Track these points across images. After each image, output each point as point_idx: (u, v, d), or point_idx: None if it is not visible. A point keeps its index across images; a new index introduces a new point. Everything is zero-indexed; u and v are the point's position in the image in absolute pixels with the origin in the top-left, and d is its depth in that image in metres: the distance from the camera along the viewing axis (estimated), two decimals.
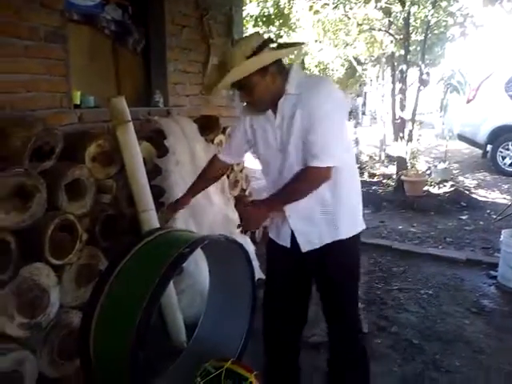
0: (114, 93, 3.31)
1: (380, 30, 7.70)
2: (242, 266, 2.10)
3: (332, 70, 11.99)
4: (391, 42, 7.38)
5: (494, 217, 5.56)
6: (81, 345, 1.70)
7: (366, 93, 16.29)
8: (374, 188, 7.16)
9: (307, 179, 1.77)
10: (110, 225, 2.57)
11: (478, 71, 9.08)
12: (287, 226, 1.92)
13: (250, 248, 3.53)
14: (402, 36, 7.06)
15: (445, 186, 6.81)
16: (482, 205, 6.11)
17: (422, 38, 7.15)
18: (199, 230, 2.89)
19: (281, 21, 8.30)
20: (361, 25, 7.83)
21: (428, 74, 7.88)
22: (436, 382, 2.45)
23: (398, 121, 7.29)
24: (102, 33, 3.32)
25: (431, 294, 3.51)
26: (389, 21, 7.42)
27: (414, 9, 6.72)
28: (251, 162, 3.38)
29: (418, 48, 8.17)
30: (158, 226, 2.45)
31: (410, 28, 7.05)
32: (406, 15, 6.65)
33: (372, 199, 6.48)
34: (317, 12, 7.75)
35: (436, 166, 7.45)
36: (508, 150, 8.19)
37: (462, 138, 8.90)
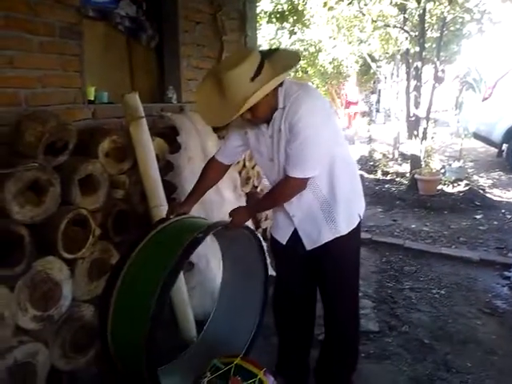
0: (128, 89, 3.33)
1: (395, 26, 7.59)
2: (254, 254, 2.17)
3: (346, 67, 11.90)
4: (406, 38, 7.28)
5: (509, 217, 5.48)
6: (100, 325, 1.83)
7: (380, 90, 16.13)
8: (387, 186, 7.10)
9: (284, 189, 1.89)
10: (123, 220, 2.59)
11: (495, 69, 8.93)
12: (290, 225, 2.00)
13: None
14: (417, 33, 6.98)
15: (459, 185, 6.71)
16: (496, 204, 6.02)
17: (438, 34, 7.06)
18: None
19: (295, 17, 8.21)
20: (375, 21, 7.73)
21: (443, 71, 7.79)
22: (447, 382, 2.43)
23: (413, 118, 7.20)
24: (116, 29, 3.35)
25: (443, 293, 3.47)
26: (404, 17, 7.33)
27: (429, 5, 6.60)
28: None
29: (434, 45, 8.05)
30: None
31: (426, 25, 6.95)
32: (421, 12, 6.57)
33: (385, 197, 6.44)
34: (331, 8, 7.70)
35: (450, 165, 7.35)
36: None
37: (477, 136, 8.75)
